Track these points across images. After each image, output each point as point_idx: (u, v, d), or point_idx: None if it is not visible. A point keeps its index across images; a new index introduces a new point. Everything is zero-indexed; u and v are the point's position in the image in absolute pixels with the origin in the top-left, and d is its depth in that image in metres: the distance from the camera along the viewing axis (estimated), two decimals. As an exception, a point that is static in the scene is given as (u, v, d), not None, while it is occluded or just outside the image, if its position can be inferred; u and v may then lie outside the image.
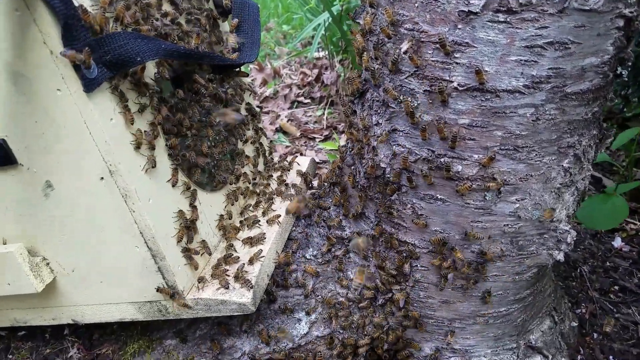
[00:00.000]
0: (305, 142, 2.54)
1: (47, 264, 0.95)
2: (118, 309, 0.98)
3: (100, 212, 0.86)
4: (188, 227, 0.96)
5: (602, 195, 1.40)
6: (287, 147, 2.45)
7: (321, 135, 2.55)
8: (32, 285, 0.92)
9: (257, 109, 1.29)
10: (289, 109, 2.82)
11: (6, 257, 0.90)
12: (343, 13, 2.32)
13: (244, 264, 0.98)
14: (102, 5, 0.79)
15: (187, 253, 0.95)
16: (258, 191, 1.23)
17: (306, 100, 2.90)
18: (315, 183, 1.30)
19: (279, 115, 2.71)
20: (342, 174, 1.15)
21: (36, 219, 0.90)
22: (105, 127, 0.79)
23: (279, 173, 1.30)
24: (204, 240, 1.00)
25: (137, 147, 0.84)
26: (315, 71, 3.00)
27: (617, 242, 1.57)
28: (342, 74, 2.77)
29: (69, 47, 0.71)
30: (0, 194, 0.89)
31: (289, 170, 1.32)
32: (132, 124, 0.83)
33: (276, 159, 1.38)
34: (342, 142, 2.19)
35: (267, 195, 1.21)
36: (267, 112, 2.76)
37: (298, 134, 2.57)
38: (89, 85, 0.74)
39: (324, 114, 2.68)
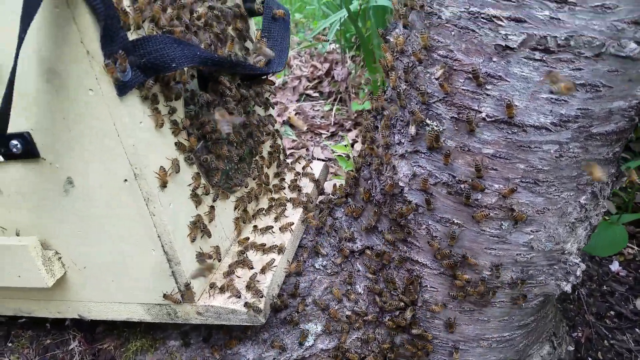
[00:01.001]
0: (312, 137, 2.54)
1: (59, 258, 0.95)
2: (126, 309, 0.99)
3: (119, 213, 0.86)
4: (204, 228, 0.96)
5: (604, 223, 1.42)
6: (293, 141, 2.44)
7: (327, 131, 2.55)
8: (42, 279, 0.91)
9: (273, 110, 1.28)
10: (297, 101, 2.81)
11: (19, 250, 0.89)
12: (360, 12, 2.30)
13: (256, 272, 0.99)
14: (139, 6, 0.78)
15: (201, 258, 0.95)
16: (271, 194, 1.23)
17: (314, 94, 2.89)
18: (327, 189, 1.30)
19: (287, 108, 2.70)
20: (356, 185, 1.16)
21: (53, 213, 0.90)
22: (134, 130, 0.78)
23: (292, 176, 1.30)
24: (217, 246, 1.00)
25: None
26: (326, 65, 2.99)
27: (615, 266, 1.59)
28: (353, 71, 2.77)
29: (108, 51, 0.70)
30: (19, 184, 0.88)
31: (301, 174, 1.32)
32: (162, 127, 0.83)
33: (288, 160, 1.38)
34: (352, 143, 2.19)
35: (279, 200, 1.21)
36: (275, 104, 2.75)
37: (305, 128, 2.56)
38: (122, 89, 0.74)
39: (332, 109, 2.67)
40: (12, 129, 0.77)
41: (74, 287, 0.99)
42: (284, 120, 2.58)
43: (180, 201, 0.90)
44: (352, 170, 1.21)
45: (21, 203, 0.90)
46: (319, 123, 2.61)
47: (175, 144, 0.88)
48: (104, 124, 0.77)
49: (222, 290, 0.96)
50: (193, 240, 0.93)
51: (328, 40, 2.62)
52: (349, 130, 2.51)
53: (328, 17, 2.86)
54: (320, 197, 1.30)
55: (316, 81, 2.95)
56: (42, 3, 0.64)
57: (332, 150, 2.27)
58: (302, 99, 2.84)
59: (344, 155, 2.07)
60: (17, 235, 0.94)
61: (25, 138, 0.82)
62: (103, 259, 0.93)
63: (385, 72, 1.02)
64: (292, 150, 2.36)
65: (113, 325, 1.13)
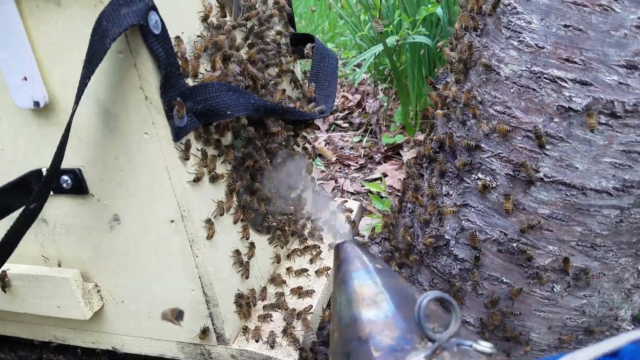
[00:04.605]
0: (340, 168, 2.52)
1: (99, 291, 0.94)
2: (160, 345, 0.97)
3: (162, 252, 0.85)
4: (244, 265, 0.95)
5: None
6: (322, 171, 2.43)
7: (356, 163, 2.54)
8: (81, 311, 0.91)
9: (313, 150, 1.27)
10: (326, 131, 2.81)
11: (61, 282, 0.89)
12: (398, 47, 2.31)
13: (293, 318, 0.97)
14: (198, 52, 0.78)
15: (240, 300, 0.93)
16: (306, 234, 1.21)
17: (344, 124, 2.89)
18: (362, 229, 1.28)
19: (317, 138, 2.69)
20: (395, 231, 1.14)
21: (96, 248, 0.89)
22: (186, 175, 0.78)
23: (327, 215, 1.28)
24: (253, 289, 0.99)
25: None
26: (357, 96, 2.99)
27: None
28: (385, 104, 2.76)
29: (167, 98, 0.70)
30: (65, 217, 0.88)
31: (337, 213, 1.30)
32: (213, 171, 0.83)
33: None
34: (383, 176, 2.17)
35: (315, 241, 1.19)
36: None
37: (334, 158, 2.55)
38: (178, 134, 0.74)
39: (361, 141, 2.66)
40: (64, 164, 0.76)
41: (111, 319, 0.98)
42: (313, 150, 2.57)
43: (223, 243, 0.89)
44: (389, 214, 1.19)
45: (65, 235, 0.90)
46: (348, 154, 2.60)
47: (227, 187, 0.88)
48: (156, 166, 0.77)
49: (257, 334, 0.94)
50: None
51: (360, 73, 2.62)
52: (379, 163, 2.49)
53: (361, 48, 2.87)
54: (356, 239, 1.28)
55: (346, 112, 2.95)
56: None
57: (361, 183, 2.25)
58: (332, 129, 2.84)
59: (375, 193, 2.05)
60: (59, 266, 0.93)
61: (76, 174, 0.82)
62: (142, 294, 0.92)
63: (431, 123, 1.00)
64: (321, 182, 2.35)
65: (145, 356, 1.11)
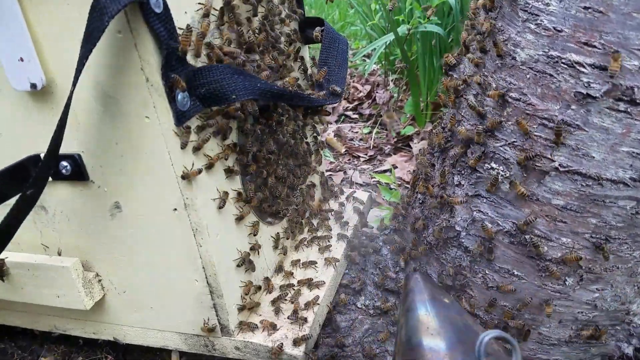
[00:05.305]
0: (349, 159, 2.49)
1: (99, 280, 0.92)
2: (163, 337, 0.95)
3: (165, 241, 0.83)
4: (250, 261, 0.93)
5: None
6: (330, 162, 2.41)
7: (366, 154, 2.51)
8: (81, 301, 0.89)
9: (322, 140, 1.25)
10: (335, 122, 2.78)
11: (61, 271, 0.87)
12: (409, 37, 2.27)
13: (298, 309, 0.94)
14: (202, 31, 0.75)
15: (246, 291, 0.91)
16: (315, 224, 1.19)
17: (354, 115, 2.85)
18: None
19: (326, 129, 2.66)
20: (404, 222, 1.11)
21: (97, 236, 0.87)
22: (189, 161, 0.75)
23: (336, 207, 1.26)
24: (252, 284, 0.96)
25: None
26: (367, 87, 2.95)
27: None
28: (396, 95, 2.72)
29: (169, 80, 0.68)
30: (65, 205, 0.86)
31: (345, 204, 1.28)
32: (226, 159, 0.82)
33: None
34: (392, 167, 2.13)
35: (323, 231, 1.16)
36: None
37: (343, 150, 2.52)
38: (181, 118, 0.71)
39: (371, 132, 2.63)
40: (62, 150, 0.74)
41: (112, 310, 0.96)
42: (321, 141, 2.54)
43: (227, 233, 0.86)
44: (398, 204, 1.16)
45: (66, 223, 0.88)
46: (357, 145, 2.57)
47: (225, 170, 0.85)
48: (157, 152, 0.75)
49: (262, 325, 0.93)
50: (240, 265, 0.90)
51: (371, 63, 2.58)
52: (388, 154, 2.46)
53: (372, 38, 2.83)
54: (364, 230, 1.26)
55: (356, 102, 2.91)
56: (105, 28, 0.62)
57: (370, 175, 2.22)
58: (341, 120, 2.81)
59: (385, 184, 2.02)
60: (59, 254, 0.92)
61: (75, 160, 0.80)
62: (144, 285, 0.90)
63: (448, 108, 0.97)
64: (330, 173, 2.33)
65: (147, 347, 1.10)
